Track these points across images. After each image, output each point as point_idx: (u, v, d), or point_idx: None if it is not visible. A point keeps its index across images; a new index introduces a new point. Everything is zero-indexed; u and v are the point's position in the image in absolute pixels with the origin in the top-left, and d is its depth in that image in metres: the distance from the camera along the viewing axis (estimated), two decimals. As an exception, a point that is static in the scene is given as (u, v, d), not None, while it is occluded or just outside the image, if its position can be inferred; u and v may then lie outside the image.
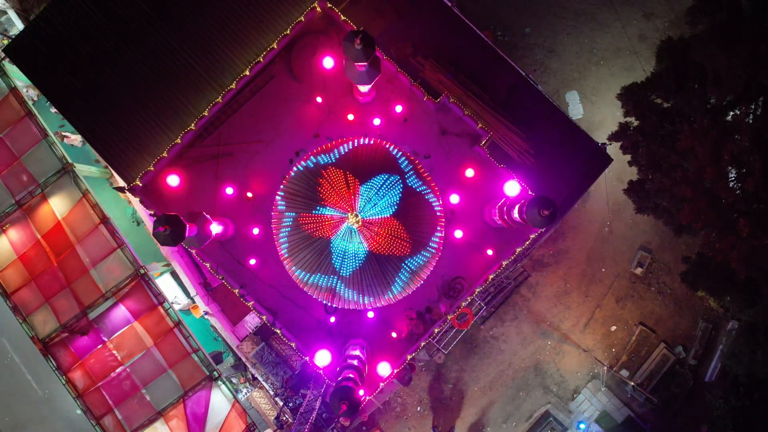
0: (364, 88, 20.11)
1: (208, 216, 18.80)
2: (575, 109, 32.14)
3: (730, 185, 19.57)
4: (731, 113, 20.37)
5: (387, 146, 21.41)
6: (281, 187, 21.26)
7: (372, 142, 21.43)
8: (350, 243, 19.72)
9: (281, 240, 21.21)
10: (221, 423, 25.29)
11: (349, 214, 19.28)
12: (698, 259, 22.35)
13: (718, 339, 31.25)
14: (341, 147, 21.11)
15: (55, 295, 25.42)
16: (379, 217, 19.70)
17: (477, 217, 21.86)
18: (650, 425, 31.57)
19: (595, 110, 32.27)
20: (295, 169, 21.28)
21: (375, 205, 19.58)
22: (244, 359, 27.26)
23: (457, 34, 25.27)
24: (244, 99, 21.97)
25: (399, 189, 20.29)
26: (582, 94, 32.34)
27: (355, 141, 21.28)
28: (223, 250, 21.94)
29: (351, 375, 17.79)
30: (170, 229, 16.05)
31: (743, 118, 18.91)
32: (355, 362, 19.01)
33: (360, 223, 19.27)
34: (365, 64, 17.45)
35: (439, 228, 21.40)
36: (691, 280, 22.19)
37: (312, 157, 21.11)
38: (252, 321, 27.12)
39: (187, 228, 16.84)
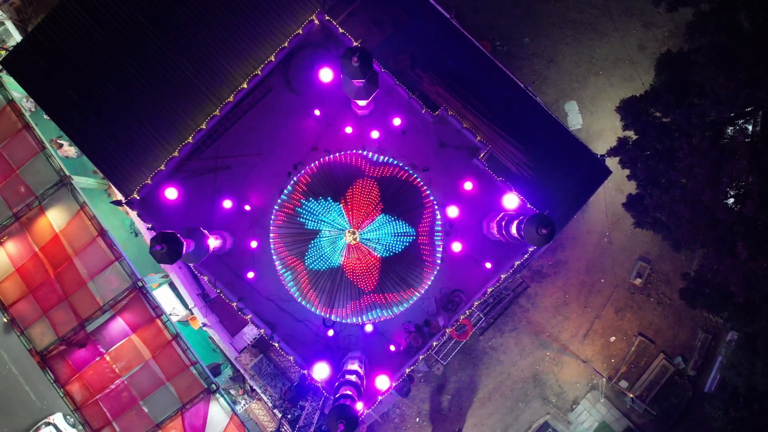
0: (362, 102, 20.07)
1: (205, 231, 18.73)
2: (574, 120, 32.09)
3: (729, 206, 19.50)
4: (730, 128, 20.31)
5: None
6: (276, 207, 21.25)
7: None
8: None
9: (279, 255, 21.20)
10: (219, 435, 25.25)
11: (348, 230, 19.28)
12: (696, 277, 22.29)
13: (717, 350, 31.18)
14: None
15: (53, 308, 25.32)
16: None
17: (475, 230, 21.77)
18: (650, 436, 31.54)
19: (594, 120, 32.24)
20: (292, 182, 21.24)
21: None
22: (242, 371, 27.20)
23: (455, 46, 25.24)
24: (242, 112, 21.91)
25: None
26: (581, 104, 32.30)
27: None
28: (221, 264, 21.87)
29: (349, 392, 17.71)
30: (167, 247, 15.97)
31: (742, 138, 18.84)
32: (353, 377, 18.93)
33: (355, 242, 19.25)
34: (363, 80, 17.41)
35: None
36: (689, 298, 22.10)
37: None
38: (250, 332, 27.08)
39: (185, 245, 16.77)
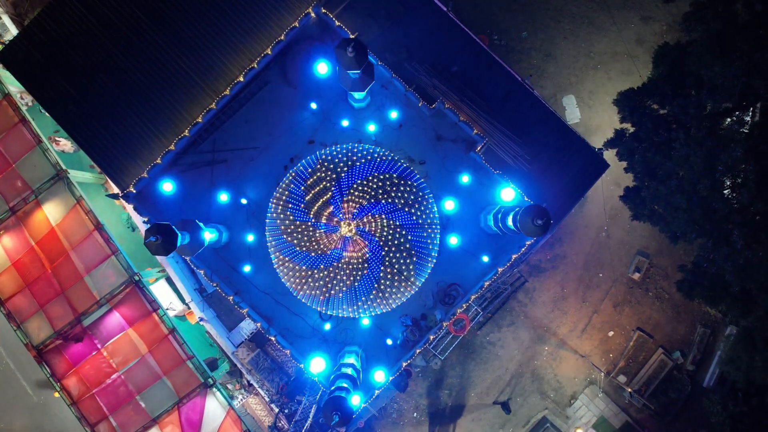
0: (358, 95, 20.01)
1: (201, 224, 18.67)
2: (572, 114, 32.03)
3: (725, 195, 19.44)
4: (728, 120, 20.24)
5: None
6: (272, 200, 21.23)
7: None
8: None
9: (276, 249, 21.17)
10: (216, 430, 25.14)
11: (342, 223, 19.29)
12: (693, 268, 22.24)
13: (716, 344, 31.12)
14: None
15: (50, 302, 25.27)
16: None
17: (473, 224, 21.73)
18: (648, 431, 31.45)
19: (593, 114, 32.16)
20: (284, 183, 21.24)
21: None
22: (239, 366, 27.16)
23: (452, 39, 25.14)
24: (238, 105, 21.85)
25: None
26: (579, 99, 32.22)
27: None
28: (218, 257, 21.82)
29: (344, 384, 17.67)
30: (161, 238, 15.92)
31: (739, 126, 18.78)
32: (350, 370, 18.90)
33: (353, 231, 19.26)
34: (358, 71, 17.35)
35: (434, 235, 21.32)
36: (686, 290, 22.04)
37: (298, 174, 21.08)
38: (247, 327, 27.05)
39: (179, 237, 16.70)
